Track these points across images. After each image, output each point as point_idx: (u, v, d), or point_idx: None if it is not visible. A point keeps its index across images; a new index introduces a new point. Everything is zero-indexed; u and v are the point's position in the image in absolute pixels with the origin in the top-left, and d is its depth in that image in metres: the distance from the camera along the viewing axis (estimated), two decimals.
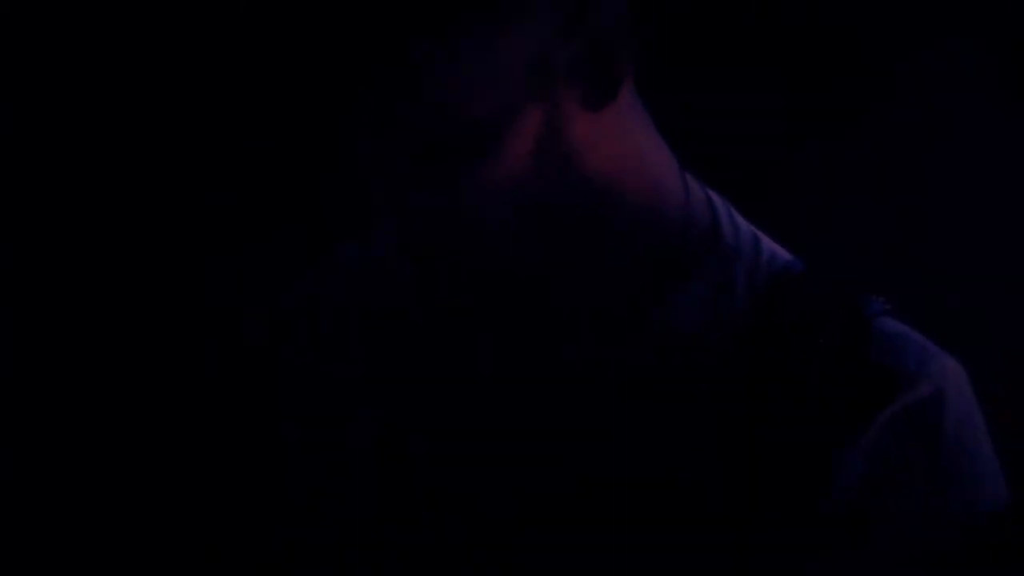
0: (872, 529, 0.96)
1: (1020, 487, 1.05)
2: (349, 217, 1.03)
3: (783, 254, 1.05)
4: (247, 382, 1.13)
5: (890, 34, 3.96)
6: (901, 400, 0.97)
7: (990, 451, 1.00)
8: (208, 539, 1.14)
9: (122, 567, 1.20)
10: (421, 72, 0.89)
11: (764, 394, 0.96)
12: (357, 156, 0.95)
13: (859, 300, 1.01)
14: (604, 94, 0.96)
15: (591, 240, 0.99)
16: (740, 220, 1.07)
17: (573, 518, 1.00)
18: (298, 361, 1.13)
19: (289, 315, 1.14)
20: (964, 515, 0.98)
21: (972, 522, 0.97)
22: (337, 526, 1.08)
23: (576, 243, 0.99)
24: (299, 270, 1.15)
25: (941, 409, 0.98)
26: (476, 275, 0.98)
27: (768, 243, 1.06)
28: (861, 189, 3.83)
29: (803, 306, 0.99)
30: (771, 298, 1.00)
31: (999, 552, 0.98)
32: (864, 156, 3.75)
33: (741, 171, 3.84)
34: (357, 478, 1.09)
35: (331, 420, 1.10)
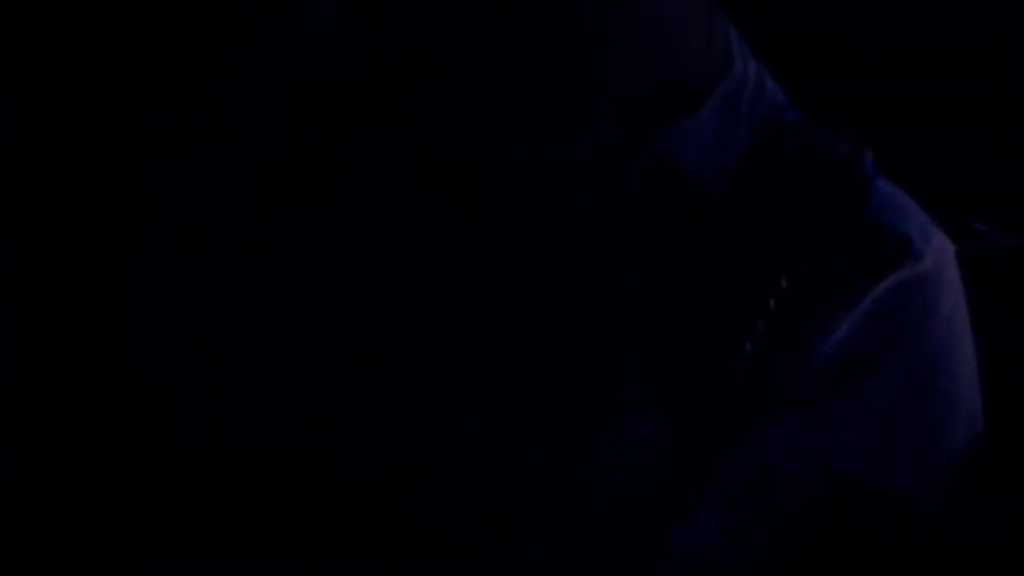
0: (859, 384, 0.96)
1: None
2: None
3: (781, 94, 1.06)
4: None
5: (890, 34, 3.96)
6: (908, 269, 0.97)
7: (971, 349, 1.01)
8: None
9: None
10: None
11: (760, 241, 0.96)
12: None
13: (856, 154, 1.00)
14: None
15: (628, 34, 0.97)
16: (749, 53, 1.07)
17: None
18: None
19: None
20: (941, 403, 0.98)
21: (944, 415, 0.97)
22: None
23: (612, 33, 0.96)
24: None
25: (940, 289, 0.99)
26: None
27: (771, 81, 1.07)
28: None
29: (801, 149, 0.99)
30: (769, 136, 1.00)
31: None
32: None
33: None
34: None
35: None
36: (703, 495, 0.93)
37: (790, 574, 0.93)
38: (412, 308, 1.00)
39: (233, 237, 1.20)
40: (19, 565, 1.24)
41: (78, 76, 2.65)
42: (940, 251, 0.99)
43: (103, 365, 1.28)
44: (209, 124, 1.27)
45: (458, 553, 0.97)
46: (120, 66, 2.63)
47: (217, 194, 1.29)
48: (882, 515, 0.94)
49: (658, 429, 0.92)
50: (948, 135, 3.43)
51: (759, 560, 0.92)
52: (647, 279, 0.94)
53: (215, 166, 1.29)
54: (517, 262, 0.95)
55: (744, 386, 0.92)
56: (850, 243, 0.96)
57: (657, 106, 0.98)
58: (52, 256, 1.35)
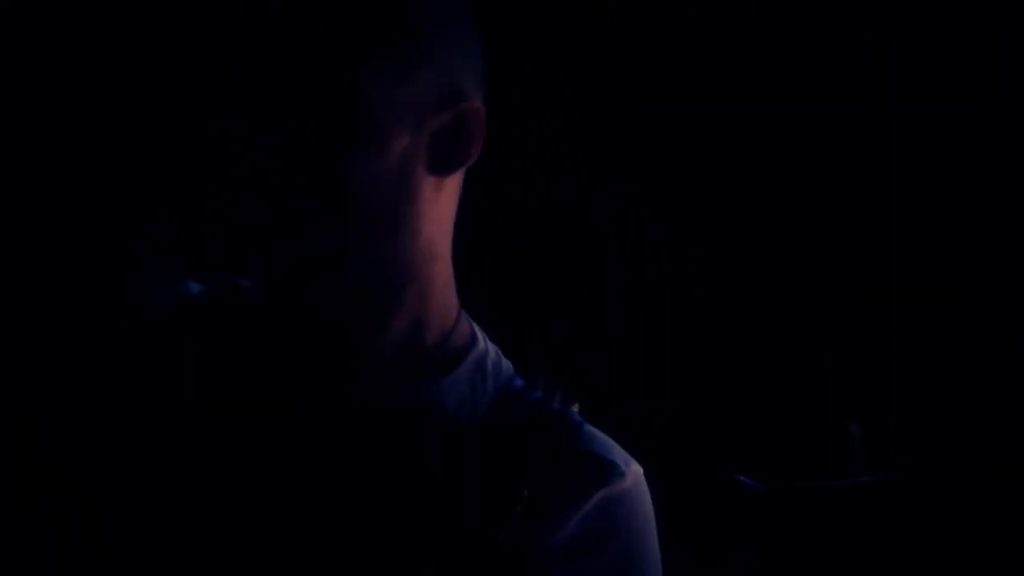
0: (583, 565, 1.28)
1: None
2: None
3: (512, 367, 1.39)
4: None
5: (890, 34, 3.97)
6: (614, 485, 1.29)
7: (656, 548, 1.34)
8: None
9: None
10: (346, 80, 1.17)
11: (506, 463, 1.29)
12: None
13: (566, 407, 1.34)
14: (454, 163, 1.23)
15: (413, 301, 1.30)
16: (483, 334, 1.40)
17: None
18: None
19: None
20: None
21: None
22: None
23: (400, 302, 1.29)
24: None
25: (637, 500, 1.31)
26: (320, 313, 1.27)
27: (504, 359, 1.39)
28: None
29: (528, 405, 1.34)
30: (506, 394, 1.34)
31: None
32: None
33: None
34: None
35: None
36: None
37: None
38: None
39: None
40: (17, 568, 1.25)
41: (78, 76, 2.65)
42: (637, 472, 1.31)
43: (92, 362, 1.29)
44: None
45: None
46: (120, 66, 2.63)
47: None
48: None
49: None
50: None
51: None
52: (436, 479, 1.27)
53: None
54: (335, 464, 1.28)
55: (503, 564, 1.25)
56: (574, 466, 1.29)
57: (428, 365, 1.31)
58: (51, 256, 1.35)
